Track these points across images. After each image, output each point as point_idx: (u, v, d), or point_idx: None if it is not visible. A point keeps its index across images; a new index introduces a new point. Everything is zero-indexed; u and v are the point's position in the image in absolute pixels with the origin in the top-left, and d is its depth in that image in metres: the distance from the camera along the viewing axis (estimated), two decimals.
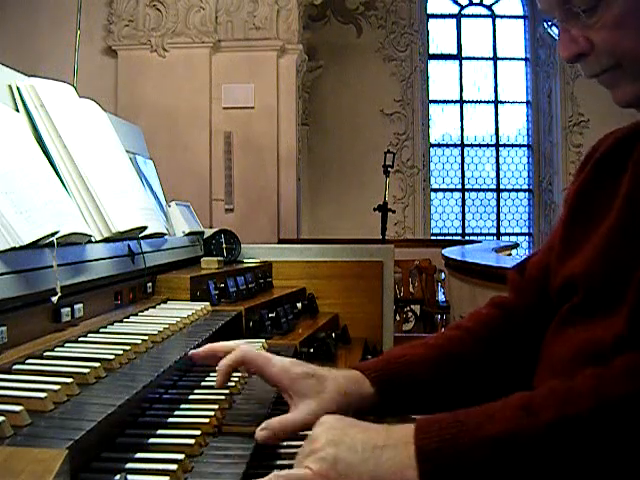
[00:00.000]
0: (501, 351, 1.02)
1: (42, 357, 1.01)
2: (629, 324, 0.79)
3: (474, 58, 10.23)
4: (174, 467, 0.75)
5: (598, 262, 0.87)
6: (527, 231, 10.23)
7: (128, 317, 1.38)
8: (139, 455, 0.79)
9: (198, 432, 0.87)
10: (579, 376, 0.73)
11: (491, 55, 10.24)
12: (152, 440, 0.85)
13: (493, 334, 1.04)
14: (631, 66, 0.84)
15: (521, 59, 10.22)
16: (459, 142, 10.19)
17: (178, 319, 1.39)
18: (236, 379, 1.12)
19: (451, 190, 10.19)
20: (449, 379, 1.00)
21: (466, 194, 10.21)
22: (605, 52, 0.84)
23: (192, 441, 0.84)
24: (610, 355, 0.78)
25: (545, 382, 0.87)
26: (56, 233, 1.18)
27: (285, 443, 0.96)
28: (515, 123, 10.24)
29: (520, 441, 0.68)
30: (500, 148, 10.20)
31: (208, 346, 1.04)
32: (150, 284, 1.70)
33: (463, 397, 1.00)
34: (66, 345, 1.09)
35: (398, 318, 6.51)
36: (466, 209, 10.22)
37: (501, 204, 10.22)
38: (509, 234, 10.16)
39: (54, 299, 1.14)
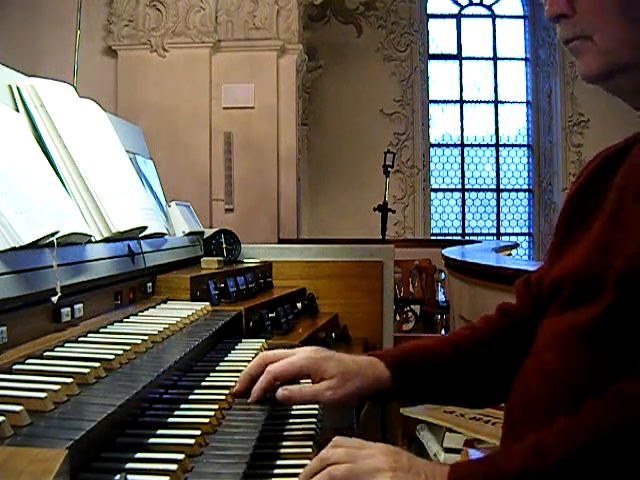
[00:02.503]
0: (505, 350, 1.09)
1: (42, 357, 1.01)
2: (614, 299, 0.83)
3: (474, 58, 10.22)
4: (174, 467, 0.75)
5: (583, 265, 0.91)
6: (527, 231, 10.22)
7: (128, 317, 1.38)
8: (139, 455, 0.79)
9: (198, 432, 0.87)
10: (581, 411, 0.77)
11: (491, 55, 10.23)
12: (152, 440, 0.85)
13: (499, 335, 1.11)
14: (602, 42, 0.87)
15: (521, 59, 10.21)
16: (459, 142, 10.18)
17: (178, 319, 1.39)
18: (236, 379, 1.12)
19: (451, 190, 10.18)
20: (458, 371, 1.07)
21: (466, 194, 10.20)
22: (584, 21, 0.88)
23: (192, 441, 0.84)
24: (585, 333, 0.85)
25: (529, 364, 0.95)
26: (56, 233, 1.18)
27: (285, 443, 0.96)
28: (515, 123, 10.23)
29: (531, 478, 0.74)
30: (500, 148, 10.19)
31: (243, 378, 1.07)
32: (150, 284, 1.70)
33: (472, 390, 1.10)
34: (66, 345, 1.09)
35: (398, 318, 6.50)
36: (466, 209, 10.21)
37: (501, 204, 10.21)
38: (509, 234, 10.16)
39: (54, 299, 1.14)
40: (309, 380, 1.03)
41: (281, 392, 0.99)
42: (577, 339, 0.86)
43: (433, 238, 9.56)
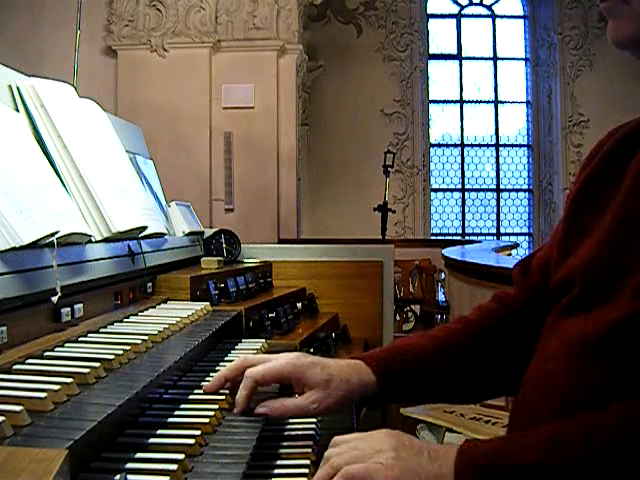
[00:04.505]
0: (499, 343, 1.06)
1: (42, 357, 1.01)
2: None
3: (474, 58, 10.22)
4: (174, 467, 0.75)
5: (597, 257, 0.87)
6: (527, 231, 10.23)
7: (128, 317, 1.38)
8: (139, 455, 0.79)
9: (198, 432, 0.87)
10: (607, 411, 0.74)
11: (491, 55, 10.23)
12: (152, 440, 0.85)
13: (492, 327, 1.07)
14: (637, 7, 0.83)
15: (521, 59, 10.22)
16: (459, 142, 10.18)
17: (178, 319, 1.39)
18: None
19: (451, 190, 10.19)
20: (448, 368, 1.04)
21: (466, 194, 10.20)
22: None
23: (192, 441, 0.84)
24: (600, 343, 0.80)
25: (536, 374, 0.90)
26: (56, 233, 1.18)
27: (285, 443, 0.96)
28: (515, 123, 10.24)
29: (546, 475, 0.71)
30: (500, 148, 10.19)
31: (217, 377, 1.05)
32: (150, 284, 1.70)
33: (461, 386, 1.06)
34: (66, 345, 1.09)
35: (398, 318, 6.51)
36: (466, 209, 10.21)
37: (501, 204, 10.21)
38: (509, 234, 10.16)
39: (54, 299, 1.14)
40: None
41: (258, 410, 0.97)
42: (587, 349, 0.82)
43: (433, 238, 9.56)
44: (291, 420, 1.06)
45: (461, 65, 10.17)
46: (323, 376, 0.97)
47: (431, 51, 9.97)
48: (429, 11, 10.00)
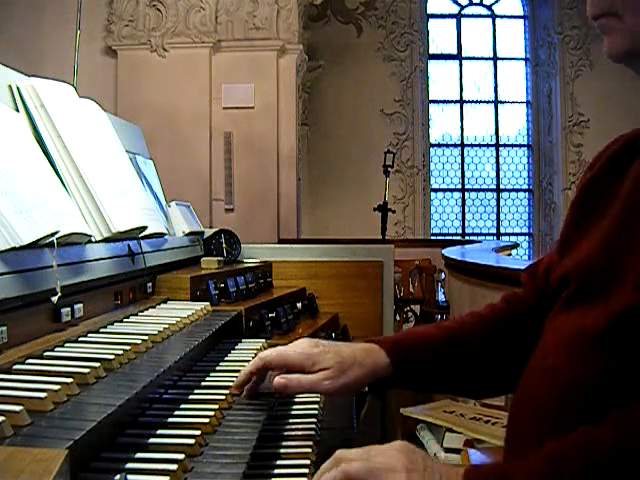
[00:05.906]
0: (505, 338, 1.08)
1: (42, 357, 1.01)
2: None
3: (474, 58, 10.22)
4: (174, 467, 0.75)
5: (591, 256, 0.89)
6: (527, 231, 10.22)
7: (128, 317, 1.38)
8: (139, 455, 0.79)
9: (198, 432, 0.87)
10: (604, 423, 0.74)
11: (491, 55, 10.23)
12: (152, 440, 0.85)
13: (499, 323, 1.10)
14: (631, 21, 0.85)
15: (521, 59, 10.21)
16: (459, 142, 10.18)
17: (178, 319, 1.39)
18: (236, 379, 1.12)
19: (451, 190, 10.18)
20: (458, 357, 1.07)
21: (466, 194, 10.20)
22: None
23: (192, 441, 0.84)
24: (599, 337, 0.82)
25: (537, 366, 0.92)
26: (56, 233, 1.18)
27: (285, 443, 0.96)
28: (515, 123, 10.23)
29: None
30: (500, 148, 10.19)
31: (243, 373, 1.07)
32: (150, 284, 1.70)
33: (470, 377, 1.09)
34: (66, 345, 1.09)
35: (398, 318, 6.50)
36: (466, 209, 10.21)
37: (501, 204, 10.21)
38: (509, 234, 10.16)
39: (54, 299, 1.14)
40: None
41: (278, 380, 0.98)
42: (587, 343, 0.84)
43: (433, 238, 9.56)
44: (291, 420, 1.06)
45: (461, 65, 10.17)
46: (336, 359, 0.99)
47: (431, 51, 9.97)
48: (429, 11, 10.00)
